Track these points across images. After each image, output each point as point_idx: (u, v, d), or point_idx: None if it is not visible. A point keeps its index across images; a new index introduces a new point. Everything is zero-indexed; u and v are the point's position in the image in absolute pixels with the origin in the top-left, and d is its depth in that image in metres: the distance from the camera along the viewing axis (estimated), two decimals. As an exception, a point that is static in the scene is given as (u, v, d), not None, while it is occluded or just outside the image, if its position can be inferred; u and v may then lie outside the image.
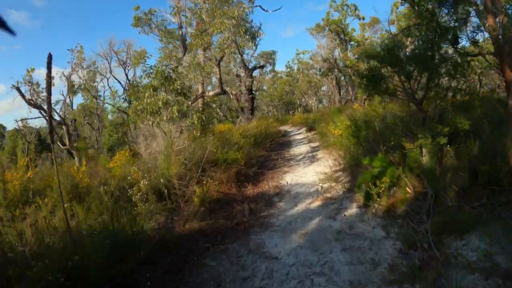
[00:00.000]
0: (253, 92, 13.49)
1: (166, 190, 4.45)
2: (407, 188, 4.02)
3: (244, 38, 7.78)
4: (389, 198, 4.01)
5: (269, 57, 16.01)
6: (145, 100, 5.62)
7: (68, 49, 12.56)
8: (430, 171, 4.08)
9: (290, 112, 34.82)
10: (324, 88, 30.31)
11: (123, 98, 15.95)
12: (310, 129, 15.98)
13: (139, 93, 6.19)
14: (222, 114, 14.65)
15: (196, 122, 6.16)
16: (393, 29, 14.84)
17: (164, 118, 5.40)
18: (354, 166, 5.60)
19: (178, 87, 5.84)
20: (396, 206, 3.87)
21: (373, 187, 4.05)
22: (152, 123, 5.63)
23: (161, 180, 4.54)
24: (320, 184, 5.52)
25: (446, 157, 4.27)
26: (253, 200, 4.97)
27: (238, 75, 12.82)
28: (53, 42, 63.75)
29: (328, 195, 4.93)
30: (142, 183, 4.31)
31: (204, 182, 4.96)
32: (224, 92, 7.08)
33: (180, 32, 8.61)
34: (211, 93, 7.36)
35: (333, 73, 18.21)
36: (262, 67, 12.63)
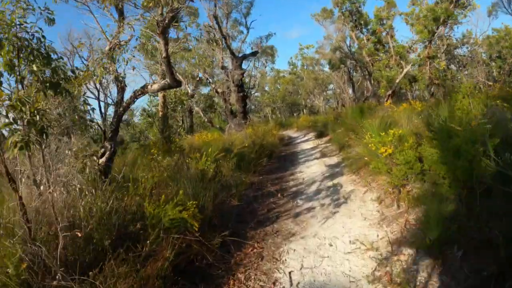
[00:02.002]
0: (246, 89, 10.33)
1: None
2: None
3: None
4: None
5: (269, 52, 12.75)
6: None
7: None
8: None
9: (295, 114, 31.49)
10: (331, 86, 26.95)
11: None
12: (320, 134, 12.63)
13: None
14: (205, 120, 11.40)
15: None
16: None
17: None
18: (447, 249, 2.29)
19: (44, 68, 2.63)
20: None
21: None
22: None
23: None
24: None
25: None
26: None
27: (223, 67, 9.69)
28: None
29: None
30: None
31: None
32: (176, 84, 3.80)
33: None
34: (155, 86, 4.10)
35: (346, 65, 14.86)
36: (254, 54, 9.46)
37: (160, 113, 6.59)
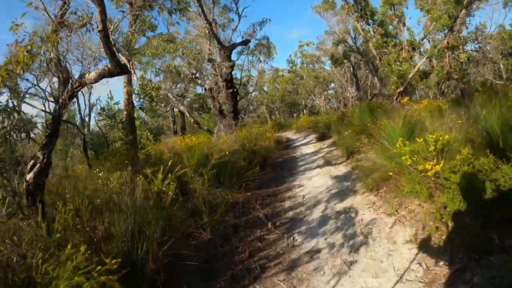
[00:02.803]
0: (237, 85, 8.96)
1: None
2: None
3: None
4: None
5: (264, 44, 11.30)
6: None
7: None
8: None
9: (294, 115, 30.09)
10: (333, 85, 25.58)
11: None
12: (322, 137, 11.28)
13: None
14: (192, 121, 10.02)
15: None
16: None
17: None
18: None
19: None
20: None
21: None
22: None
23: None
24: None
25: None
26: None
27: (211, 60, 8.31)
28: None
29: None
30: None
31: None
32: (120, 69, 2.38)
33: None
34: (92, 75, 2.74)
35: (349, 61, 13.48)
36: (245, 42, 8.09)
37: (125, 113, 5.22)
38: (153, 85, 5.76)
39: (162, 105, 11.46)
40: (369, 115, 7.38)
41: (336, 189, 4.64)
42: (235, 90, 7.97)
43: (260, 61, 12.01)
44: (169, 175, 3.28)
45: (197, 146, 6.52)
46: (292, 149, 10.44)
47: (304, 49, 24.75)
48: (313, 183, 5.27)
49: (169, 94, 10.43)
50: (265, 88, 31.22)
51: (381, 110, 7.74)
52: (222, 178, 4.91)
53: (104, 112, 4.97)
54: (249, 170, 5.99)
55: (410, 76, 9.85)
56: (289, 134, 17.47)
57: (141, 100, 6.49)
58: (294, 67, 26.04)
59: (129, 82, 5.62)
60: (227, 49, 7.62)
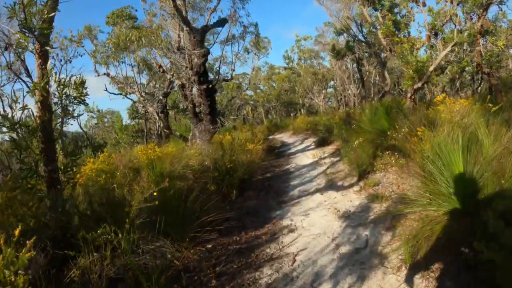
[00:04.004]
0: (213, 79, 7.12)
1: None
2: None
3: None
4: None
5: (252, 31, 9.15)
6: None
7: None
8: None
9: (292, 115, 28.21)
10: (332, 83, 23.72)
11: None
12: (322, 142, 9.49)
13: None
14: (162, 125, 8.13)
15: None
16: None
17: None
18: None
19: None
20: None
21: None
22: None
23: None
24: None
25: None
26: None
27: (180, 48, 6.44)
28: None
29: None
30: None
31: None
32: None
33: None
34: None
35: (354, 53, 11.62)
36: (221, 23, 6.12)
37: (38, 120, 3.32)
38: (77, 81, 3.90)
39: (141, 105, 9.61)
40: (386, 118, 5.55)
41: (348, 245, 2.80)
42: (211, 86, 6.10)
43: (248, 51, 10.12)
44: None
45: (164, 158, 4.73)
46: (286, 158, 8.61)
47: (301, 44, 22.92)
48: (311, 225, 3.42)
49: (136, 93, 8.55)
50: (261, 87, 29.34)
51: (399, 112, 5.93)
52: (171, 219, 3.07)
53: (7, 122, 3.08)
54: (220, 199, 4.17)
55: (431, 68, 8.02)
56: (285, 137, 15.62)
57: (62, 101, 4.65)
58: (291, 64, 24.16)
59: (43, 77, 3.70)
60: (197, 33, 5.75)
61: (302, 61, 23.84)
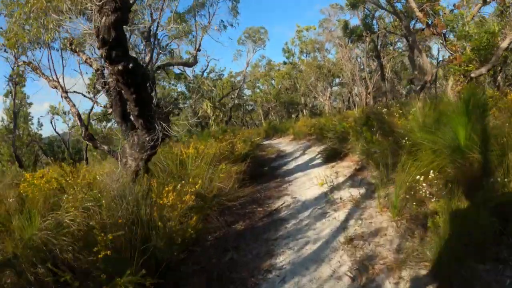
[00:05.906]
0: (150, 58, 4.33)
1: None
2: None
3: None
4: None
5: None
6: None
7: None
8: None
9: (293, 116, 25.31)
10: (337, 80, 20.80)
11: None
12: (333, 155, 6.59)
13: None
14: (81, 132, 5.37)
15: None
16: None
17: None
18: None
19: None
20: None
21: None
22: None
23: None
24: None
25: None
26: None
27: (85, 11, 3.60)
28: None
29: None
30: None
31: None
32: None
33: None
34: None
35: (373, 33, 8.70)
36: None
37: None
38: None
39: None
40: (465, 124, 2.65)
41: None
42: (131, 66, 3.24)
43: (219, 30, 7.23)
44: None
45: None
46: (280, 181, 5.73)
47: (303, 34, 20.06)
48: None
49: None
50: (260, 86, 26.52)
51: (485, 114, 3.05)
52: None
53: None
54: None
55: (504, 44, 5.11)
56: (283, 144, 12.68)
57: None
58: (291, 58, 21.26)
59: None
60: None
61: (304, 55, 21.01)
